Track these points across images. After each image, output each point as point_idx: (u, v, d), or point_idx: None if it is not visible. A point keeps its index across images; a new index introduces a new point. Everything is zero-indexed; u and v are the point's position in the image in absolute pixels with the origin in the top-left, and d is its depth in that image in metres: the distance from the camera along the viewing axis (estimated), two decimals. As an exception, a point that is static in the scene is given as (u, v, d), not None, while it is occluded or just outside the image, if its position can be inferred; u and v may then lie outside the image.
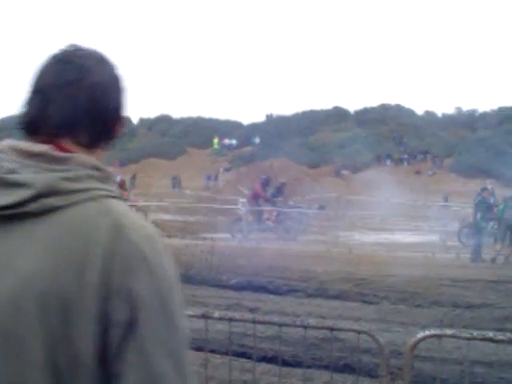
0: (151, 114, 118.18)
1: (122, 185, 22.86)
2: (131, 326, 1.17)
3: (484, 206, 17.46)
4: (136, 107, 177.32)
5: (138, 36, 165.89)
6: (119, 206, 1.29)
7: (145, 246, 1.22)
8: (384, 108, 75.18)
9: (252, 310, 8.73)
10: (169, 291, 1.23)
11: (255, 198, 22.56)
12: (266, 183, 23.18)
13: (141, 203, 26.84)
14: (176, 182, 55.37)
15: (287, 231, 21.77)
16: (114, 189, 1.34)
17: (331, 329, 3.87)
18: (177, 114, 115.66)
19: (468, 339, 3.77)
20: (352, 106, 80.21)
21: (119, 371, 1.17)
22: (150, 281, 1.19)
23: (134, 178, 59.54)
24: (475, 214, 17.78)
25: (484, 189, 18.65)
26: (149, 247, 1.23)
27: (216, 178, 54.58)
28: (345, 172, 55.06)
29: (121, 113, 1.44)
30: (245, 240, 20.22)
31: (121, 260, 1.19)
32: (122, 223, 1.24)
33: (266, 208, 22.30)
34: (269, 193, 22.93)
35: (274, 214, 22.09)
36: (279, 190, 23.52)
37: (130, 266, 1.19)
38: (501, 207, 17.67)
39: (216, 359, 5.94)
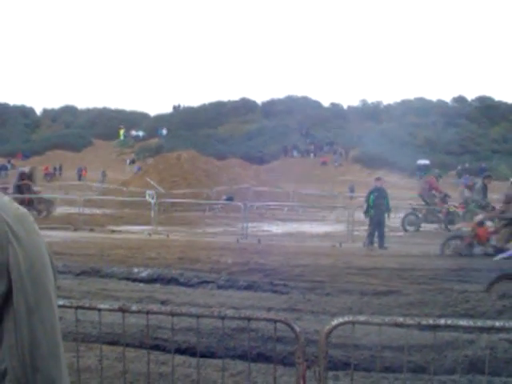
0: (55, 104, 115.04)
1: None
2: (7, 297, 1.28)
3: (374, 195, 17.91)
4: (39, 97, 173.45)
5: (44, 24, 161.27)
6: None
7: (16, 225, 1.31)
8: (291, 99, 76.13)
9: (164, 303, 8.65)
10: (42, 267, 1.34)
11: (431, 190, 23.84)
12: (438, 178, 25.36)
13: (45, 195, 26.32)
14: (80, 175, 54.38)
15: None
16: None
17: (248, 318, 3.91)
18: (82, 104, 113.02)
19: (380, 325, 3.89)
20: (259, 97, 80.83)
21: (1, 338, 1.29)
22: (23, 257, 1.29)
23: (60, 169, 58.17)
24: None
25: (377, 178, 19.31)
26: (20, 226, 1.32)
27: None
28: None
29: None
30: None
31: None
32: None
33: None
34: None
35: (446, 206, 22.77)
36: None
37: (4, 243, 1.28)
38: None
39: (130, 352, 5.88)
